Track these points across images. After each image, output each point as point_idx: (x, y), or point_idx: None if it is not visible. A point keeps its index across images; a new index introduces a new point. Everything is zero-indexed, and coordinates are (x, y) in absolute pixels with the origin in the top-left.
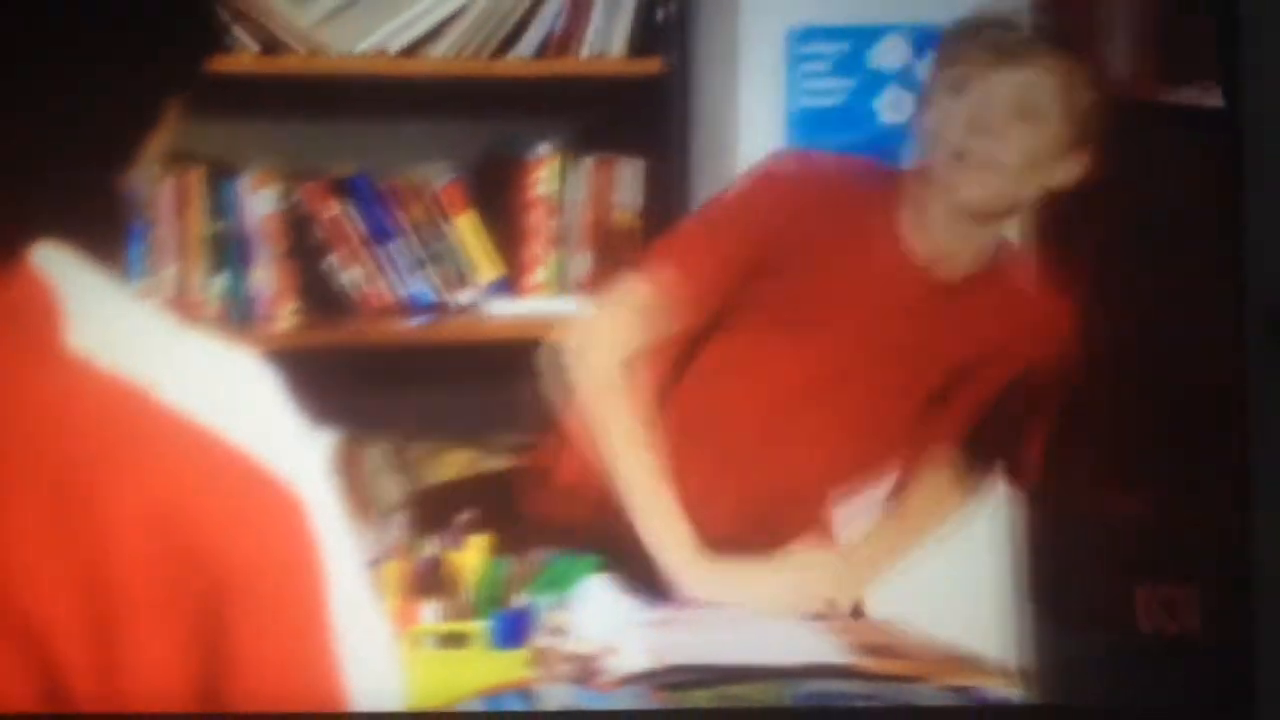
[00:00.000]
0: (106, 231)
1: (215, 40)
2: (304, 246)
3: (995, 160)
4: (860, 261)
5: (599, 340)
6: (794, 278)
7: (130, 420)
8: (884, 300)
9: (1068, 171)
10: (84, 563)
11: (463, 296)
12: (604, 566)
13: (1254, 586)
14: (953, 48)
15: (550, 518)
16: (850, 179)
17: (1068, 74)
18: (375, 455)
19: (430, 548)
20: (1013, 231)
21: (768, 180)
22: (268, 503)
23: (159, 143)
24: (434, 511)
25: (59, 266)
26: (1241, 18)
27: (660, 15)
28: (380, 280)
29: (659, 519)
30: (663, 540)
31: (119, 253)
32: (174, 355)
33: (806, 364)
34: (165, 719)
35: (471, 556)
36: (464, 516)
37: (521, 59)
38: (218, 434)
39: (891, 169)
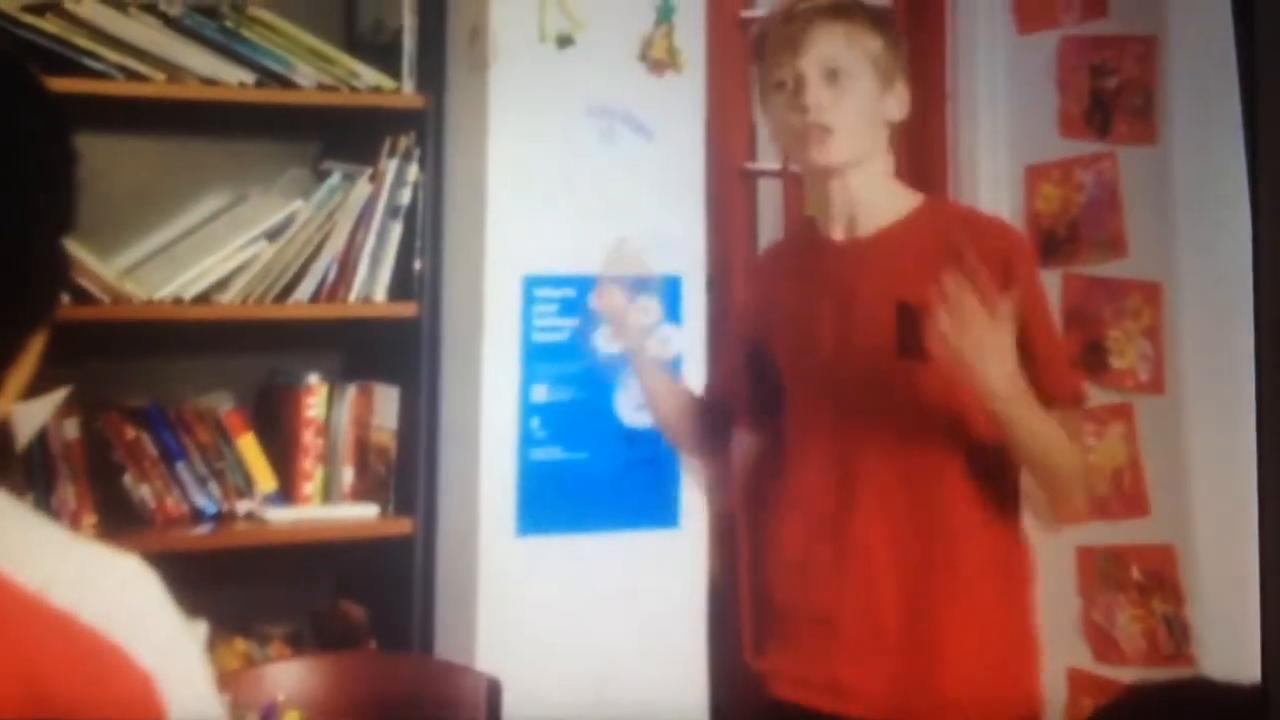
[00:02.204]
0: None
1: (63, 282)
2: (103, 467)
3: (823, 124)
4: (801, 268)
5: None
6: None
7: (2, 605)
8: (830, 280)
9: (893, 107)
10: None
11: (243, 506)
12: None
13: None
14: (759, 50)
15: None
16: (775, 251)
17: (852, 31)
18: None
19: None
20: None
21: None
22: (120, 678)
23: (22, 374)
24: (253, 691)
25: None
26: (1258, 24)
27: (416, 266)
28: (170, 494)
29: None
30: None
31: (2, 468)
32: (63, 558)
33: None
34: None
35: None
36: (281, 696)
37: (299, 304)
38: (75, 617)
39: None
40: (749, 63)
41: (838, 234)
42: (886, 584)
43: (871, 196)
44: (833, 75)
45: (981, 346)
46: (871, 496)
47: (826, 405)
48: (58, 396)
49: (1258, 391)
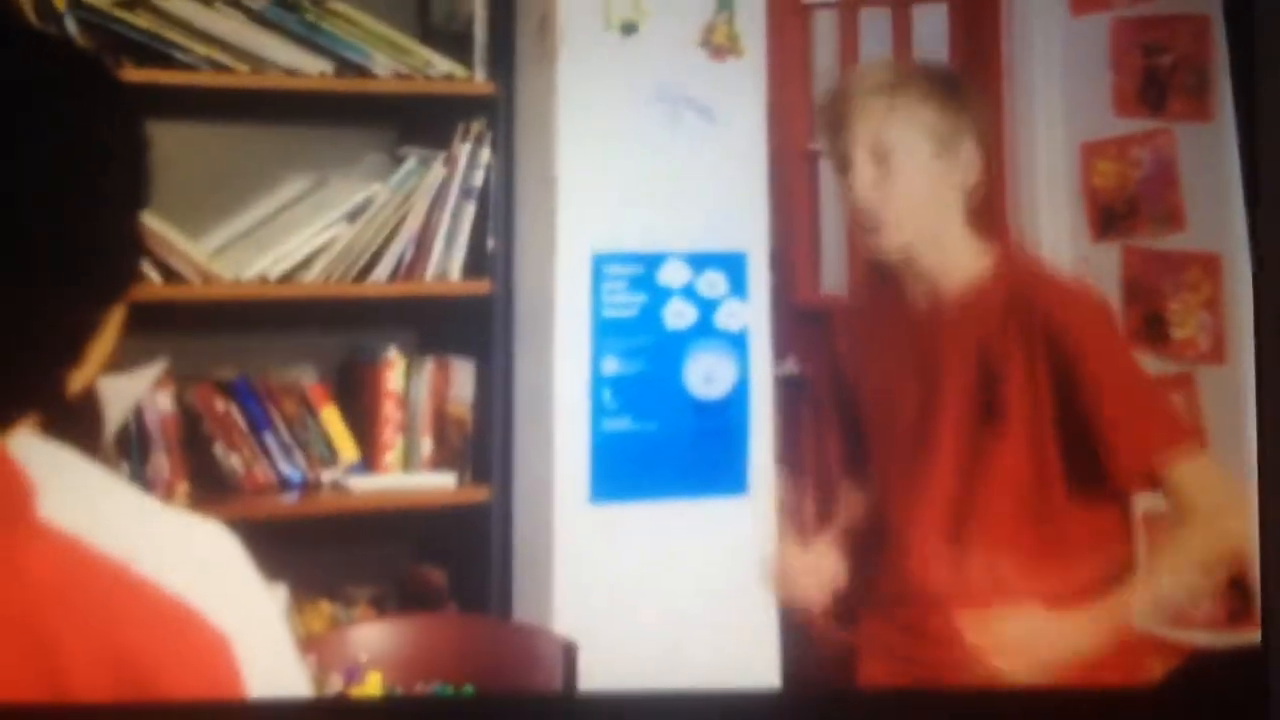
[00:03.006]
0: (72, 421)
1: (140, 260)
2: (195, 437)
3: (873, 213)
4: (889, 337)
5: None
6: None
7: (83, 573)
8: (915, 348)
9: (968, 169)
10: (48, 696)
11: (327, 475)
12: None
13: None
14: (819, 123)
15: None
16: (870, 285)
17: (898, 106)
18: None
19: (335, 683)
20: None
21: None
22: (198, 640)
23: (103, 345)
24: (337, 653)
25: (31, 451)
26: (1255, 27)
27: (490, 245)
28: (259, 464)
29: None
30: None
31: (93, 439)
32: (147, 525)
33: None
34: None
35: (369, 689)
36: (364, 657)
37: (378, 283)
38: (156, 584)
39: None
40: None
41: (921, 303)
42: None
43: (948, 264)
44: (882, 156)
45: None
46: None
47: (916, 472)
48: (153, 372)
49: (1258, 381)
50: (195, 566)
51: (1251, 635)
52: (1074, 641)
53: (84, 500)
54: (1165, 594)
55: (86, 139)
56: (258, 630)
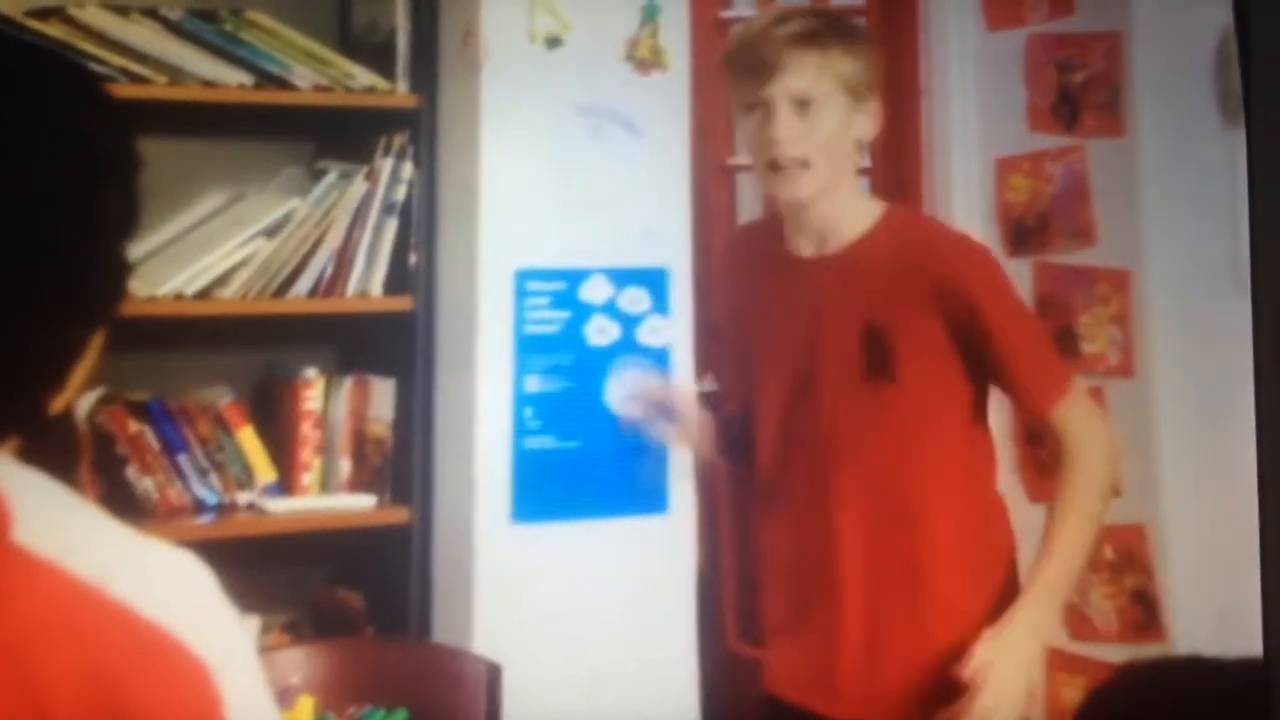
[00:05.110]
0: (50, 445)
1: (127, 280)
2: (107, 460)
3: (791, 157)
4: (772, 280)
5: None
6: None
7: (62, 598)
8: (798, 299)
9: (865, 125)
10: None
11: (243, 497)
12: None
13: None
14: (731, 64)
15: None
16: (746, 237)
17: (824, 58)
18: None
19: None
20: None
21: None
22: (180, 668)
23: (84, 367)
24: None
25: (6, 475)
26: (1252, 24)
27: (411, 261)
28: (173, 486)
29: None
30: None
31: (70, 464)
32: (124, 553)
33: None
34: None
35: (301, 714)
36: (295, 680)
37: (297, 299)
38: (136, 610)
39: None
40: (724, 73)
41: (806, 250)
42: (858, 582)
43: (839, 215)
44: (803, 105)
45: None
46: (843, 507)
47: (797, 422)
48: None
49: (1256, 385)
50: (173, 595)
51: (1156, 644)
52: (1039, 653)
53: (60, 526)
54: (1068, 563)
55: (79, 155)
56: (236, 661)
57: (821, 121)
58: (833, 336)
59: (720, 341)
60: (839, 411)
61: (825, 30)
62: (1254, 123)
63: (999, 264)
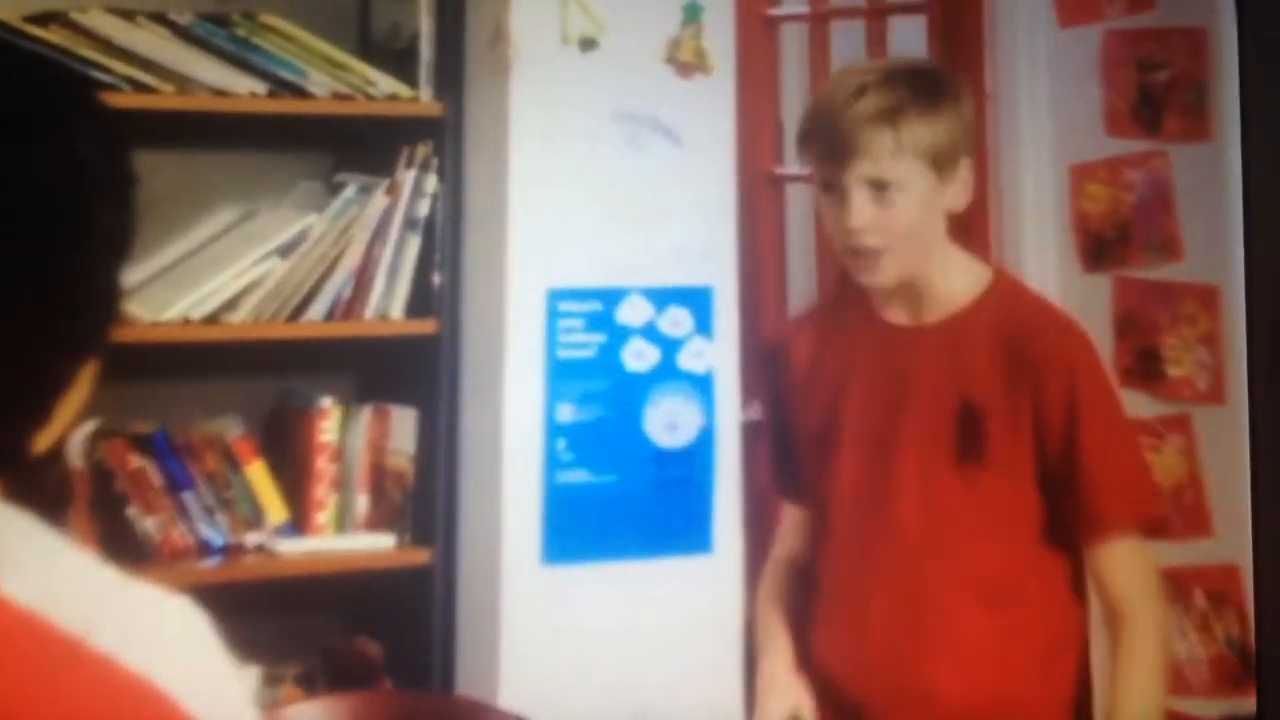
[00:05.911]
0: (36, 485)
1: (121, 309)
2: (106, 498)
3: (870, 247)
4: (862, 347)
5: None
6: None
7: (39, 650)
8: (890, 366)
9: (956, 195)
10: None
11: (252, 538)
12: None
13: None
14: (805, 136)
15: None
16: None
17: (903, 134)
18: None
19: None
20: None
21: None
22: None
23: (73, 402)
24: None
25: None
26: (1247, 36)
27: (435, 281)
28: (176, 527)
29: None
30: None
31: (59, 504)
32: (111, 600)
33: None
34: None
35: None
36: None
37: (312, 322)
38: (118, 660)
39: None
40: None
41: (899, 318)
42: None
43: (936, 283)
44: (881, 188)
45: None
46: (933, 589)
47: (879, 504)
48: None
49: (1250, 393)
50: (163, 645)
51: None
52: None
53: (42, 573)
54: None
55: (66, 170)
56: (229, 716)
57: (901, 207)
58: (924, 411)
59: (797, 415)
60: (924, 494)
61: (905, 103)
62: (1248, 128)
63: (1099, 355)
